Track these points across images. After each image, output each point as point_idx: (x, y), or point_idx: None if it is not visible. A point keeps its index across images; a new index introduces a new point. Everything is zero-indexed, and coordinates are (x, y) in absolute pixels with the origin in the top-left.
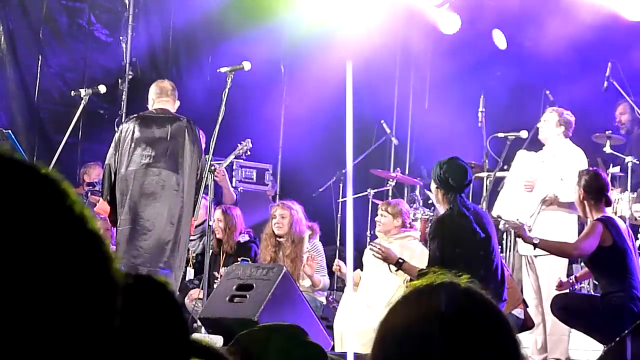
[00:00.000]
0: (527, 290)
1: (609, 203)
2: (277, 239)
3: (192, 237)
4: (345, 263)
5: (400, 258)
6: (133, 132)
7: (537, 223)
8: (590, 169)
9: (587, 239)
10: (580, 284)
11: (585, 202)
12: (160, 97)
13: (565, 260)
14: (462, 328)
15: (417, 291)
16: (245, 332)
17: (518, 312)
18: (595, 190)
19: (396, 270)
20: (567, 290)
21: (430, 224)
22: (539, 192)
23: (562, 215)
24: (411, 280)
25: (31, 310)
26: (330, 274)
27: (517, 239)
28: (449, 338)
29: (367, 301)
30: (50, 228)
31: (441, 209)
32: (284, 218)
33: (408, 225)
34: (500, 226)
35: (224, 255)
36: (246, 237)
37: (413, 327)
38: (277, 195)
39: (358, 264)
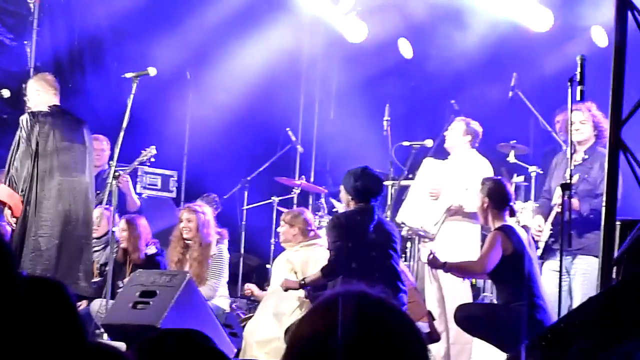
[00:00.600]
0: (430, 299)
1: (513, 213)
2: (185, 241)
3: (96, 248)
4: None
5: (301, 280)
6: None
7: (441, 232)
8: (494, 177)
9: (490, 253)
10: (483, 293)
11: (488, 210)
12: (57, 93)
13: None
14: (374, 337)
15: (326, 301)
16: (147, 337)
17: (423, 325)
18: (498, 199)
19: (306, 296)
20: (470, 300)
21: (328, 221)
22: (444, 201)
23: (466, 225)
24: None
25: None
26: (234, 282)
27: (420, 246)
28: (360, 348)
29: (273, 310)
30: None
31: None
32: (190, 222)
33: (312, 234)
34: (404, 232)
35: (131, 265)
36: (153, 249)
37: (323, 336)
38: (182, 202)
39: (261, 273)
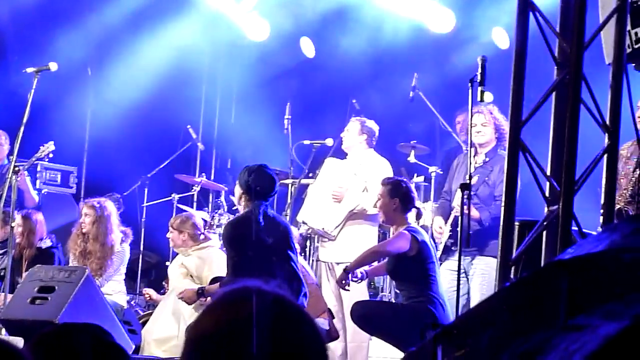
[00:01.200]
0: (327, 297)
1: (419, 215)
2: (85, 235)
3: None
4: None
5: (199, 288)
6: None
7: (342, 234)
8: (398, 178)
9: (399, 240)
10: (381, 292)
11: (396, 212)
12: None
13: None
14: (274, 335)
15: (226, 298)
16: (47, 330)
17: (322, 322)
18: (408, 201)
19: (205, 299)
20: (367, 298)
21: (222, 231)
22: (347, 203)
23: (366, 227)
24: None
25: None
26: (133, 278)
27: (318, 245)
28: (259, 346)
29: (172, 309)
30: None
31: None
32: (88, 216)
33: (202, 237)
34: (302, 230)
35: (27, 260)
36: (48, 243)
37: (222, 334)
38: (82, 198)
39: (161, 270)
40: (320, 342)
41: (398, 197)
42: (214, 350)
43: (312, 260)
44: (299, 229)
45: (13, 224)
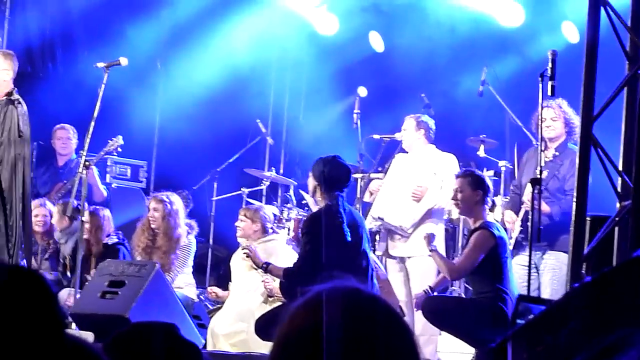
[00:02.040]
0: (397, 291)
1: (494, 205)
2: (153, 230)
3: (61, 240)
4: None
5: (265, 262)
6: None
7: (418, 231)
8: (472, 169)
9: (477, 252)
10: (451, 286)
11: (478, 204)
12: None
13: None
14: (364, 333)
15: (318, 295)
16: (121, 331)
17: None
18: (488, 192)
19: (269, 294)
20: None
21: (303, 221)
22: (426, 201)
23: (435, 224)
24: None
25: None
26: (202, 272)
27: (391, 241)
28: (350, 344)
29: (239, 304)
30: None
31: (316, 208)
32: (157, 211)
33: (270, 230)
34: (373, 225)
35: (93, 257)
36: (114, 239)
37: (314, 331)
38: (151, 193)
39: (227, 266)
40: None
41: (481, 189)
42: (304, 349)
43: (383, 254)
44: (375, 227)
45: (83, 219)
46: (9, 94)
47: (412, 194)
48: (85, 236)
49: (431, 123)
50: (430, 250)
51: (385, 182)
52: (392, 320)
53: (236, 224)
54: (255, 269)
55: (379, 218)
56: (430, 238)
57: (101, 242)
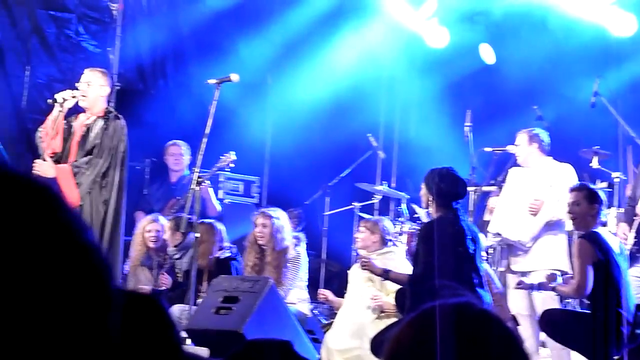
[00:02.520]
0: (519, 305)
1: (604, 225)
2: (260, 246)
3: (175, 256)
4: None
5: (385, 269)
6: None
7: (536, 244)
8: (586, 183)
9: (587, 272)
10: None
11: (593, 218)
12: None
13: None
14: (478, 351)
15: (432, 313)
16: (237, 349)
17: None
18: (601, 206)
19: (381, 310)
20: (557, 306)
21: (419, 229)
22: (543, 215)
23: (558, 236)
24: (397, 295)
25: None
26: (315, 287)
27: (512, 256)
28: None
29: (353, 319)
30: (38, 241)
31: (428, 218)
32: (265, 227)
33: (389, 243)
34: (492, 241)
35: (206, 272)
36: (227, 254)
37: (423, 348)
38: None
39: (344, 279)
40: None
41: (596, 203)
42: None
43: (499, 267)
44: (490, 240)
45: (197, 235)
46: (107, 110)
47: (528, 208)
48: (198, 250)
49: (544, 135)
50: (553, 290)
51: (502, 197)
52: (504, 335)
53: (355, 235)
54: (373, 281)
55: (497, 234)
56: (551, 278)
57: (214, 257)
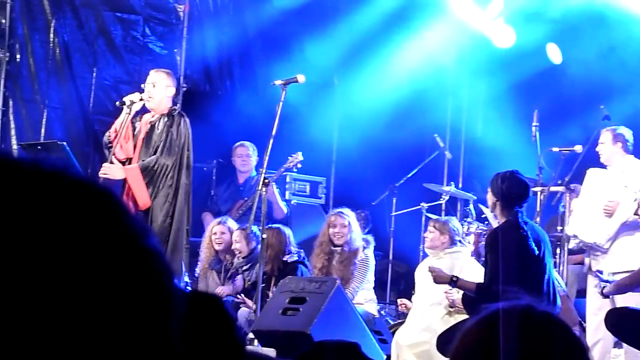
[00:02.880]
0: (592, 306)
1: None
2: (332, 247)
3: (244, 267)
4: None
5: (453, 276)
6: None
7: (615, 245)
8: None
9: None
10: None
11: None
12: None
13: None
14: (540, 354)
15: (497, 314)
16: (304, 349)
17: None
18: None
19: (451, 305)
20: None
21: (485, 237)
22: (619, 216)
23: (638, 237)
24: (464, 296)
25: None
26: (382, 288)
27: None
28: None
29: (422, 316)
30: (99, 246)
31: (495, 222)
32: (338, 227)
33: (457, 243)
34: (572, 245)
35: (273, 275)
36: (294, 257)
37: (487, 349)
38: (331, 209)
39: (411, 280)
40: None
41: None
42: None
43: (565, 269)
44: (568, 243)
45: (264, 236)
46: (171, 109)
47: (603, 209)
48: (266, 253)
49: (628, 134)
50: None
51: (580, 198)
52: (568, 339)
53: (424, 234)
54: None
55: (574, 236)
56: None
57: (281, 260)
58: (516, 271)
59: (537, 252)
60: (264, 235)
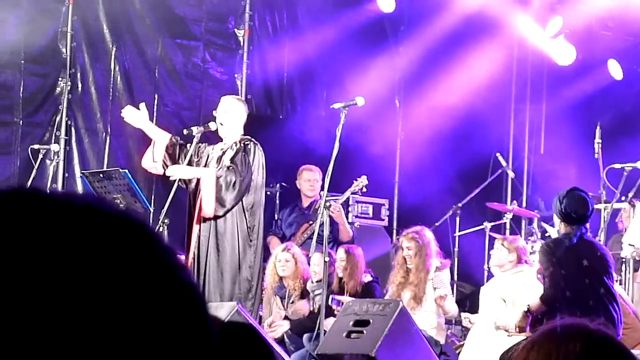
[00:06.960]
0: None
1: None
2: (407, 266)
3: (317, 291)
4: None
5: (525, 310)
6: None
7: None
8: None
9: None
10: None
11: None
12: None
13: None
14: None
15: (549, 333)
16: None
17: (638, 352)
18: None
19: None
20: None
21: (539, 252)
22: None
23: None
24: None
25: None
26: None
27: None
28: None
29: (486, 336)
30: (134, 279)
31: None
32: (410, 249)
33: (524, 262)
34: (627, 253)
35: (348, 295)
36: (368, 277)
37: None
38: (395, 231)
39: (476, 300)
40: None
41: None
42: None
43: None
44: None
45: (327, 259)
46: (244, 137)
47: None
48: (340, 275)
49: None
50: None
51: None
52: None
53: (491, 252)
54: (504, 300)
55: (629, 244)
56: None
57: (357, 280)
58: (566, 286)
59: (583, 264)
60: (327, 258)
